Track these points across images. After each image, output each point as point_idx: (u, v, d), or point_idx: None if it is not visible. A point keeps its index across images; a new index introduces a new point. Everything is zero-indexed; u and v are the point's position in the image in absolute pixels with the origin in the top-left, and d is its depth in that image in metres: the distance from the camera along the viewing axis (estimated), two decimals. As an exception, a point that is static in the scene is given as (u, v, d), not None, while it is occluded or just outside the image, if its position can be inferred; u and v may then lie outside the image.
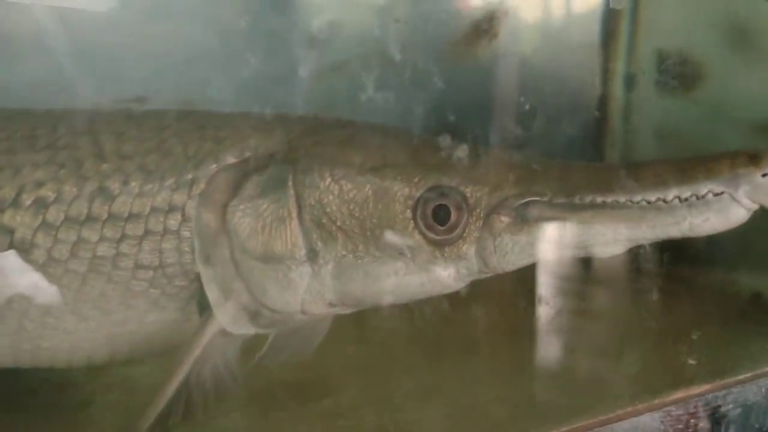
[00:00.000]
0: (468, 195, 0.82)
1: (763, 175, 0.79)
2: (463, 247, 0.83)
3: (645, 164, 0.84)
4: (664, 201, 0.80)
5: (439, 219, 0.82)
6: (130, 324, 0.89)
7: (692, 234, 0.81)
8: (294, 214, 0.83)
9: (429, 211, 0.82)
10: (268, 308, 0.86)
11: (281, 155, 0.86)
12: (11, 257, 0.86)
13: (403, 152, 0.86)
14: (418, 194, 0.82)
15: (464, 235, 0.83)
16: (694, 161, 0.81)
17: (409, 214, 0.82)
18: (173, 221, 0.85)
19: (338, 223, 0.83)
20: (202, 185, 0.85)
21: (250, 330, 0.88)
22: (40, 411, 1.01)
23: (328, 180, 0.83)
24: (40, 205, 0.85)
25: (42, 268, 0.85)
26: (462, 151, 0.87)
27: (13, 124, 0.92)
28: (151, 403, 0.86)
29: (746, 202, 0.79)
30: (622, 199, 0.80)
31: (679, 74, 1.59)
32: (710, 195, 0.79)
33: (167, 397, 0.85)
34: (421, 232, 0.82)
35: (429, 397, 1.04)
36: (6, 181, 0.86)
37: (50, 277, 0.86)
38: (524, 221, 0.82)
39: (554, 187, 0.82)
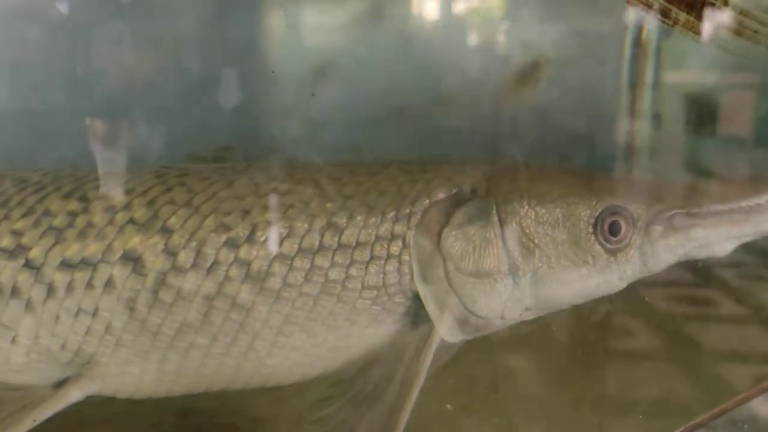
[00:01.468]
0: (633, 211, 1.03)
1: None
2: (630, 253, 1.03)
3: (744, 177, 1.08)
4: (760, 205, 1.02)
5: (613, 232, 1.02)
6: (351, 338, 1.04)
7: None
8: (499, 236, 1.01)
9: (606, 226, 1.02)
10: (475, 316, 1.03)
11: (482, 191, 1.06)
12: (245, 287, 1.01)
13: (576, 182, 1.07)
14: (597, 213, 1.03)
15: (630, 243, 1.03)
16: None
17: (591, 229, 1.03)
18: (395, 248, 1.02)
19: (535, 241, 1.02)
20: (419, 217, 1.03)
21: (458, 337, 1.05)
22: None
23: (527, 208, 1.03)
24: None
25: (277, 293, 1.00)
26: (617, 178, 1.08)
27: (230, 175, 1.08)
28: (395, 415, 0.99)
29: None
30: (734, 206, 1.02)
31: (704, 114, 1.84)
32: None
33: (410, 409, 0.99)
34: (600, 243, 1.03)
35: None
36: (237, 222, 1.01)
37: (284, 300, 1.01)
38: (672, 229, 1.03)
39: (689, 201, 1.04)
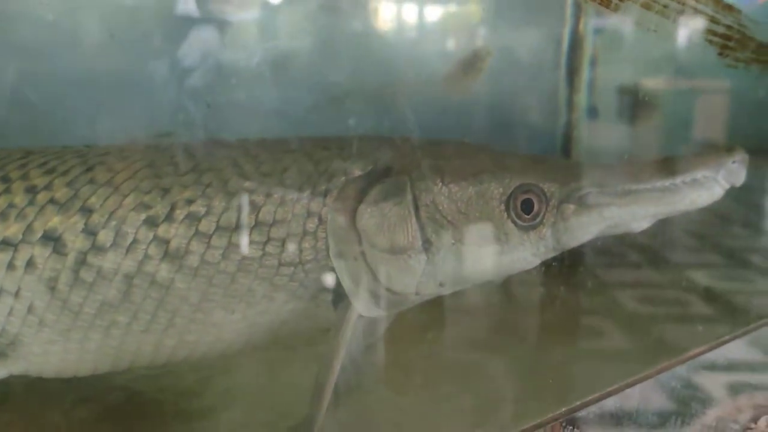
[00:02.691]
0: (546, 190, 1.06)
1: (733, 162, 1.07)
2: (543, 230, 1.07)
3: (660, 159, 1.11)
4: (674, 184, 1.06)
5: (525, 209, 1.06)
6: (270, 314, 1.06)
7: (692, 207, 1.08)
8: (413, 213, 1.04)
9: (518, 204, 1.05)
10: (390, 291, 1.06)
11: (397, 168, 1.08)
12: (164, 265, 1.03)
13: (490, 160, 1.09)
14: (509, 191, 1.06)
15: (543, 221, 1.06)
16: (692, 156, 1.09)
17: (503, 207, 1.05)
18: (311, 225, 1.04)
19: (448, 218, 1.04)
20: (335, 194, 1.05)
21: (374, 312, 1.07)
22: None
23: (440, 185, 1.05)
24: (193, 218, 1.02)
25: (195, 271, 1.02)
26: (532, 158, 1.11)
27: (151, 154, 1.10)
28: (320, 388, 1.03)
29: (723, 182, 1.07)
30: (648, 186, 1.07)
31: (635, 106, 1.91)
32: (702, 178, 1.06)
33: (333, 381, 1.03)
34: (512, 221, 1.06)
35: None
36: (156, 201, 1.03)
37: (203, 278, 1.03)
38: (585, 207, 1.07)
39: (604, 180, 1.08)
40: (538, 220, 1.06)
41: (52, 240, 1.00)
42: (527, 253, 1.07)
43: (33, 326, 1.03)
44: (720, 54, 1.43)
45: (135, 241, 1.01)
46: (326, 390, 1.03)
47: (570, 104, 2.10)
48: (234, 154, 1.09)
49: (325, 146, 1.11)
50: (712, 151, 1.09)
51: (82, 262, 1.00)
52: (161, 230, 1.02)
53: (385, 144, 1.12)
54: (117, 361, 1.08)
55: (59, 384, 1.12)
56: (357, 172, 1.07)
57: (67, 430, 1.14)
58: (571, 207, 1.06)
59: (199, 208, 1.03)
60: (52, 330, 1.03)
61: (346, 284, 1.05)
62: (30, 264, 1.00)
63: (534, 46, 2.09)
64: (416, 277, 1.05)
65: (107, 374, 1.12)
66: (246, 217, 1.03)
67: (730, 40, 1.41)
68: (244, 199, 1.04)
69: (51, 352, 1.05)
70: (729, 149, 1.08)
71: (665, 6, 1.30)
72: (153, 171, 1.06)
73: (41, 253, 1.00)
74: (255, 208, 1.04)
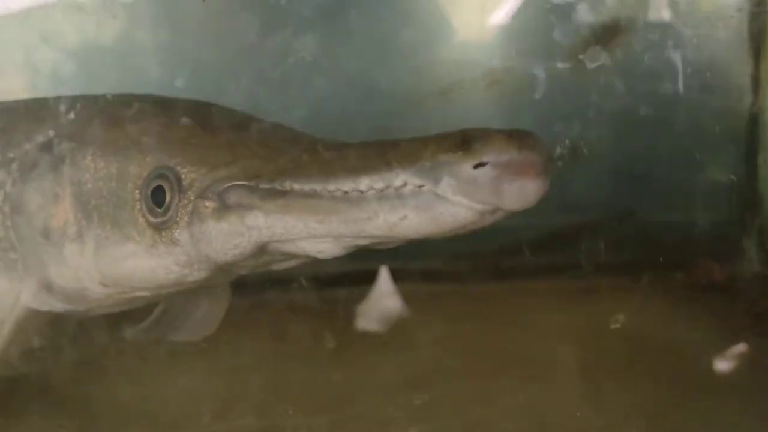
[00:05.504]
0: (182, 176, 0.75)
1: (475, 167, 0.60)
2: (176, 232, 0.76)
3: (356, 145, 0.69)
4: (360, 192, 0.65)
5: (157, 201, 0.76)
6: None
7: (395, 233, 0.65)
8: (67, 192, 0.83)
9: (150, 192, 0.77)
10: (55, 284, 0.87)
11: (78, 135, 0.86)
12: None
13: (161, 131, 0.82)
14: (145, 173, 0.78)
15: (177, 219, 0.75)
16: (395, 143, 0.65)
17: (137, 194, 0.78)
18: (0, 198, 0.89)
19: (94, 202, 0.81)
20: (19, 163, 0.88)
21: (52, 305, 0.90)
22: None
23: (89, 158, 0.82)
24: None
25: None
26: (227, 129, 0.80)
27: None
28: None
29: (458, 199, 0.61)
30: (318, 187, 0.67)
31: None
32: (408, 188, 0.63)
33: None
34: (143, 214, 0.78)
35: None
36: None
37: None
38: (225, 207, 0.72)
39: (267, 169, 0.71)
40: (168, 216, 0.76)
41: None
42: (168, 260, 0.78)
43: None
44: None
45: None
46: None
47: (756, 82, 1.52)
48: None
49: (38, 105, 0.95)
50: (438, 137, 0.64)
51: None
52: None
53: (86, 105, 0.90)
54: None
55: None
56: (40, 139, 0.88)
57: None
58: (208, 205, 0.73)
59: None
60: None
61: (18, 269, 0.88)
62: None
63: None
64: (73, 271, 0.84)
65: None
66: None
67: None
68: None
69: None
70: (465, 139, 0.61)
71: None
72: None
73: None
74: None
